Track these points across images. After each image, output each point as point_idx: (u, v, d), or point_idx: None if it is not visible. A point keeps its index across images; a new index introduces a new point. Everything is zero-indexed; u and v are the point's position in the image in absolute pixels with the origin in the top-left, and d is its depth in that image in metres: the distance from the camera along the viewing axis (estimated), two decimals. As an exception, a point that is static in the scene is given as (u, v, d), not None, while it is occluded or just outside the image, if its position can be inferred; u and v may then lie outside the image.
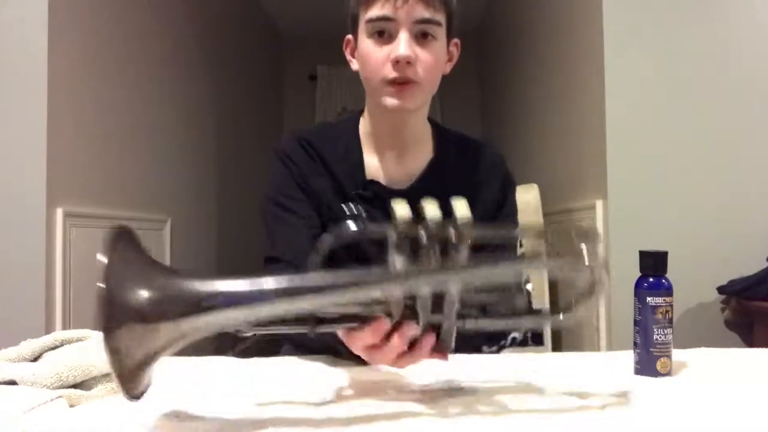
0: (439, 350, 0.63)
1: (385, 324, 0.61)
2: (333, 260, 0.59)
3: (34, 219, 1.72)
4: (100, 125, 2.03)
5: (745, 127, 1.94)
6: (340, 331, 0.66)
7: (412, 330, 0.61)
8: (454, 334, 0.63)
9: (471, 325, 0.62)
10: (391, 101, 0.91)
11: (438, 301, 0.59)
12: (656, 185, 1.95)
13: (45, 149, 1.73)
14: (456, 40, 0.98)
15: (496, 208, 1.01)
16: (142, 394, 0.51)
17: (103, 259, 0.50)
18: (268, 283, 0.53)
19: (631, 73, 1.97)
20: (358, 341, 0.65)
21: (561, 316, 0.63)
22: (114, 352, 0.48)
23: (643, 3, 1.97)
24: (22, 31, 1.73)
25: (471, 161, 1.03)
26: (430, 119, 1.04)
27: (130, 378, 0.49)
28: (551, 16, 2.67)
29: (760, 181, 1.92)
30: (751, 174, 1.93)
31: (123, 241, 0.53)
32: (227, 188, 3.40)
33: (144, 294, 0.51)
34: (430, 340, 0.62)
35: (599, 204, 2.03)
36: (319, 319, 0.60)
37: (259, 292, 0.53)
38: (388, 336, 0.62)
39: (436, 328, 0.62)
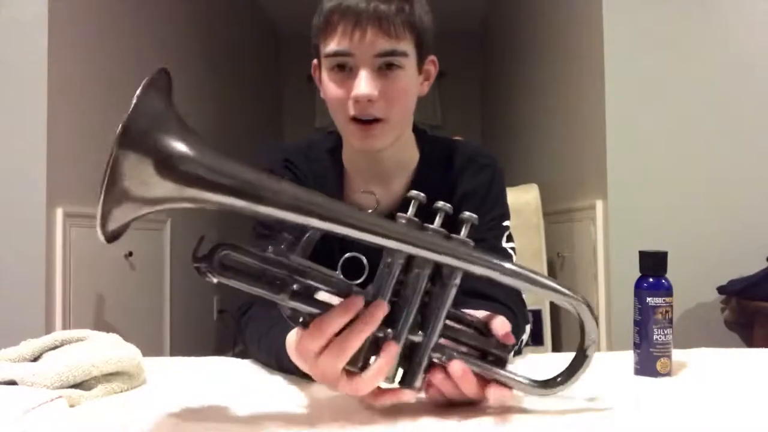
0: (407, 379, 0.57)
1: (359, 303, 0.55)
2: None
3: (34, 219, 1.72)
4: (100, 125, 2.02)
5: (744, 127, 1.94)
6: (291, 345, 0.59)
7: (382, 311, 0.55)
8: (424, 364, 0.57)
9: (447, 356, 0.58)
10: (356, 142, 0.85)
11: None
12: (656, 185, 1.95)
13: (45, 149, 1.73)
14: (432, 58, 0.90)
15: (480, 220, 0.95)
16: (113, 236, 0.51)
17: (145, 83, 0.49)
18: (285, 188, 0.53)
19: (631, 73, 1.97)
20: (313, 338, 0.55)
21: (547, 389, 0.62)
22: (116, 170, 0.47)
23: (643, 4, 1.97)
24: (22, 31, 1.73)
25: (457, 172, 0.95)
26: (416, 129, 0.97)
27: (112, 206, 0.49)
28: (552, 17, 2.68)
29: (759, 181, 1.92)
30: (750, 174, 1.93)
31: (161, 83, 0.52)
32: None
33: (174, 142, 0.50)
34: (393, 349, 0.56)
35: (599, 204, 2.03)
36: (294, 291, 0.54)
37: (272, 194, 0.53)
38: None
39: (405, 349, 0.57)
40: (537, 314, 2.13)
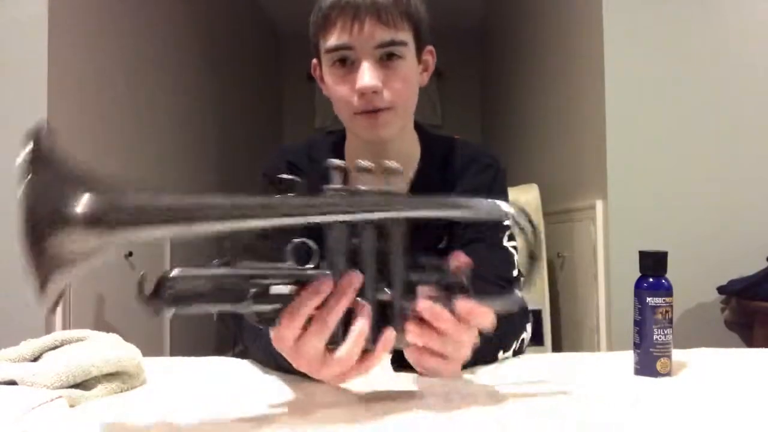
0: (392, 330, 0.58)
1: (328, 284, 0.55)
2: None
3: (34, 219, 1.72)
4: (100, 125, 2.02)
5: (744, 127, 1.94)
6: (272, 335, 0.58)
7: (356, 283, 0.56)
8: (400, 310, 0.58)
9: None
10: (364, 133, 0.87)
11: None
12: (656, 185, 1.95)
13: (45, 149, 1.73)
14: (430, 48, 0.91)
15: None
16: (55, 303, 0.49)
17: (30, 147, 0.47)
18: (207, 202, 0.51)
19: (631, 73, 1.97)
20: (288, 327, 0.55)
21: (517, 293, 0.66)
22: (39, 253, 0.46)
23: (643, 4, 1.97)
24: (22, 31, 1.73)
25: (458, 170, 0.96)
26: (418, 126, 0.98)
27: (48, 275, 0.48)
28: (552, 17, 2.68)
29: (759, 181, 1.92)
30: (750, 174, 1.93)
31: (46, 141, 0.49)
32: (227, 188, 3.40)
33: (87, 196, 0.48)
34: (364, 308, 0.56)
35: (599, 204, 2.03)
36: (254, 294, 0.54)
37: (198, 209, 0.50)
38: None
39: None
40: (537, 314, 2.13)
